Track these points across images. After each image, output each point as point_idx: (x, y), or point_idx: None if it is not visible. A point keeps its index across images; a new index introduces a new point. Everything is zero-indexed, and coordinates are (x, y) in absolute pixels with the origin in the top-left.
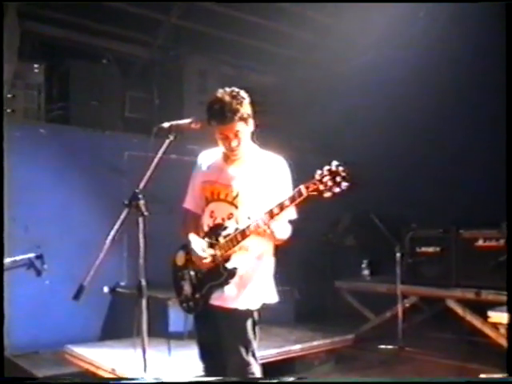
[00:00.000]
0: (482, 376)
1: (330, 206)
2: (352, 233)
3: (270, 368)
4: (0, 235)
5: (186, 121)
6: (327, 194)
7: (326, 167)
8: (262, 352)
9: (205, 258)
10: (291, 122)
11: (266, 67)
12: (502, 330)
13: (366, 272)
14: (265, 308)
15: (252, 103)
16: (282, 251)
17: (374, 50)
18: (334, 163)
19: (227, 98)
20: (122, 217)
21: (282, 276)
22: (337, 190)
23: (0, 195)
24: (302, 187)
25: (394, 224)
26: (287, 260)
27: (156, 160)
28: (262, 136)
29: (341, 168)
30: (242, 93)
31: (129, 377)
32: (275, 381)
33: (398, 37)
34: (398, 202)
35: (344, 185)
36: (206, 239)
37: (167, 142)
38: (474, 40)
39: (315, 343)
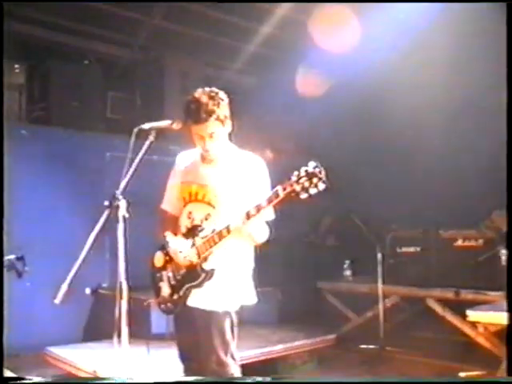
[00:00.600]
0: (462, 375)
1: (312, 207)
2: (334, 233)
3: (252, 368)
4: (0, 236)
5: (167, 122)
6: (304, 196)
7: (303, 168)
8: (245, 352)
9: (182, 260)
10: (273, 123)
11: (249, 68)
12: (481, 329)
13: (347, 272)
14: (245, 309)
15: (232, 103)
16: (264, 252)
17: (356, 50)
18: (311, 164)
19: (204, 99)
20: (103, 218)
21: (265, 277)
22: (314, 191)
23: (0, 197)
24: (279, 188)
25: (375, 225)
26: (269, 261)
27: (137, 161)
28: (243, 136)
29: (318, 169)
30: (221, 93)
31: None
32: (255, 381)
33: (379, 38)
34: (379, 203)
35: (321, 186)
36: (184, 240)
37: (148, 143)
38: (460, 40)
39: (297, 343)
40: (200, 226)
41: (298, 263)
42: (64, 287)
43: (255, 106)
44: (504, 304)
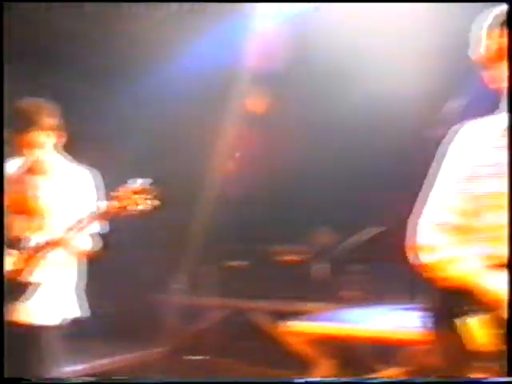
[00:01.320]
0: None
1: (144, 220)
2: (165, 246)
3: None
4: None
5: None
6: (130, 211)
7: (130, 185)
8: (72, 367)
9: (6, 273)
10: (108, 133)
11: (83, 76)
12: (302, 338)
13: (178, 285)
14: (71, 322)
15: (64, 113)
16: (94, 264)
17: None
18: (139, 181)
19: (29, 108)
20: None
21: (94, 289)
22: (141, 207)
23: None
24: (105, 203)
25: (205, 238)
26: (100, 273)
27: None
28: (75, 146)
29: (145, 186)
30: (47, 103)
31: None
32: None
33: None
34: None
35: (149, 202)
36: (9, 252)
37: None
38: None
39: (126, 356)
40: (26, 237)
41: (130, 275)
42: None
43: (90, 116)
44: (320, 314)
